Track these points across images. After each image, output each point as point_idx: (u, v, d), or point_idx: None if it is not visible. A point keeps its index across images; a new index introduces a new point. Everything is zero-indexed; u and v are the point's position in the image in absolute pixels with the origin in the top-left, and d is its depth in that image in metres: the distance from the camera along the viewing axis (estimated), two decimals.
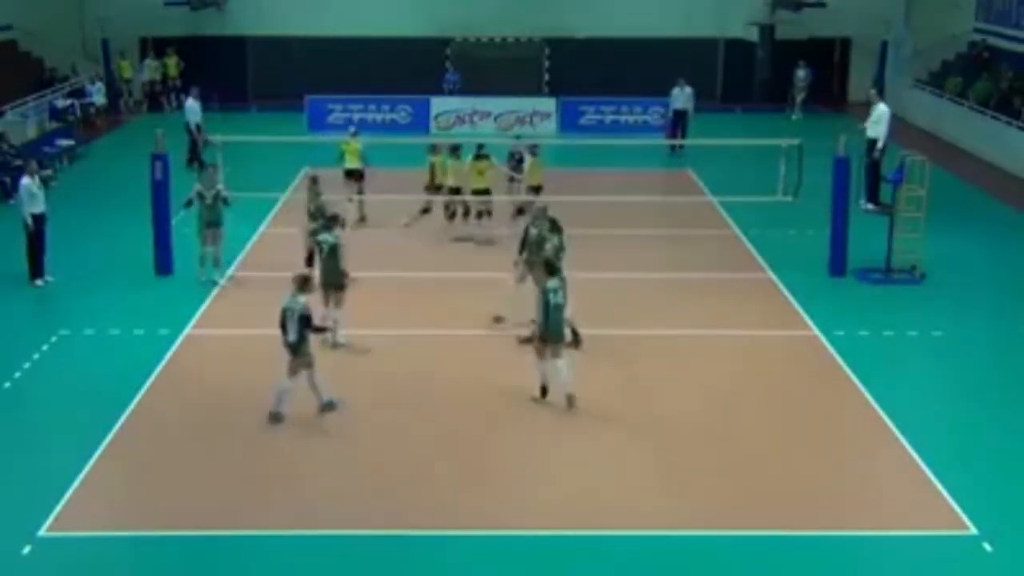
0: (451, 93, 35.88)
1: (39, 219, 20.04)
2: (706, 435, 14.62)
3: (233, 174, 21.23)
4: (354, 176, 23.67)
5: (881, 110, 24.59)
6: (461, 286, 19.90)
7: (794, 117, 36.37)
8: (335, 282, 16.96)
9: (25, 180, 20.23)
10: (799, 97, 36.94)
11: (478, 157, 22.68)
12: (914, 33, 38.33)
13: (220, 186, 20.03)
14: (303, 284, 14.77)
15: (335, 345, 16.89)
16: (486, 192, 22.64)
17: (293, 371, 14.61)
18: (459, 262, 21.41)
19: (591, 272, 20.38)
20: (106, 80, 36.63)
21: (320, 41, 37.58)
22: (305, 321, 14.50)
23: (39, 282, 20.01)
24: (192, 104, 29.30)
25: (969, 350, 17.61)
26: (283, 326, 14.56)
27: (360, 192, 23.76)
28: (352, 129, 25.16)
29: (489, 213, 22.64)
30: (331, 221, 17.44)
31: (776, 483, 13.39)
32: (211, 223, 19.87)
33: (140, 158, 21.88)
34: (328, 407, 14.84)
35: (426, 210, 23.04)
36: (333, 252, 17.00)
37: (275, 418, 14.63)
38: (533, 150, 23.47)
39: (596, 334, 17.51)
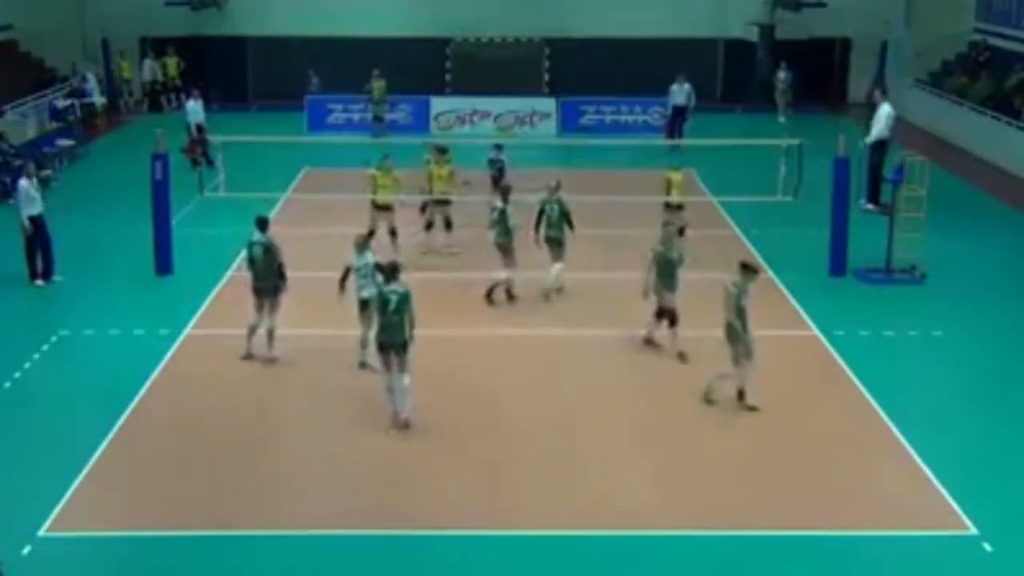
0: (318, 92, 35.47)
1: (37, 221, 20.03)
2: (706, 435, 14.62)
3: (233, 174, 21.21)
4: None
5: (885, 110, 24.53)
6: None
7: (782, 120, 35.53)
8: (269, 285, 16.33)
9: (23, 182, 20.22)
10: (783, 100, 36.35)
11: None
12: (914, 33, 38.30)
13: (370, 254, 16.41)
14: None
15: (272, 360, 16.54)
16: None
17: None
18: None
19: (591, 272, 20.39)
20: (105, 79, 36.65)
21: (320, 41, 37.55)
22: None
23: (40, 282, 20.00)
24: (193, 105, 29.38)
25: (969, 350, 17.61)
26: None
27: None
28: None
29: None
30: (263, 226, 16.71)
31: (776, 483, 13.40)
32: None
33: (140, 158, 21.87)
34: None
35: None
36: (268, 253, 16.33)
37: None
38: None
39: (596, 334, 17.52)
